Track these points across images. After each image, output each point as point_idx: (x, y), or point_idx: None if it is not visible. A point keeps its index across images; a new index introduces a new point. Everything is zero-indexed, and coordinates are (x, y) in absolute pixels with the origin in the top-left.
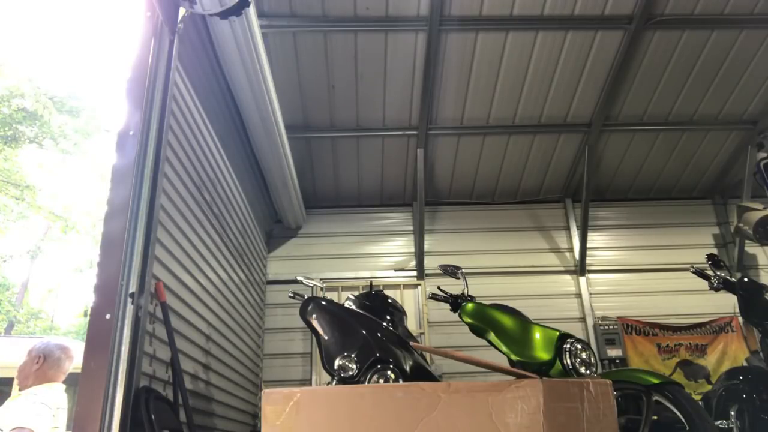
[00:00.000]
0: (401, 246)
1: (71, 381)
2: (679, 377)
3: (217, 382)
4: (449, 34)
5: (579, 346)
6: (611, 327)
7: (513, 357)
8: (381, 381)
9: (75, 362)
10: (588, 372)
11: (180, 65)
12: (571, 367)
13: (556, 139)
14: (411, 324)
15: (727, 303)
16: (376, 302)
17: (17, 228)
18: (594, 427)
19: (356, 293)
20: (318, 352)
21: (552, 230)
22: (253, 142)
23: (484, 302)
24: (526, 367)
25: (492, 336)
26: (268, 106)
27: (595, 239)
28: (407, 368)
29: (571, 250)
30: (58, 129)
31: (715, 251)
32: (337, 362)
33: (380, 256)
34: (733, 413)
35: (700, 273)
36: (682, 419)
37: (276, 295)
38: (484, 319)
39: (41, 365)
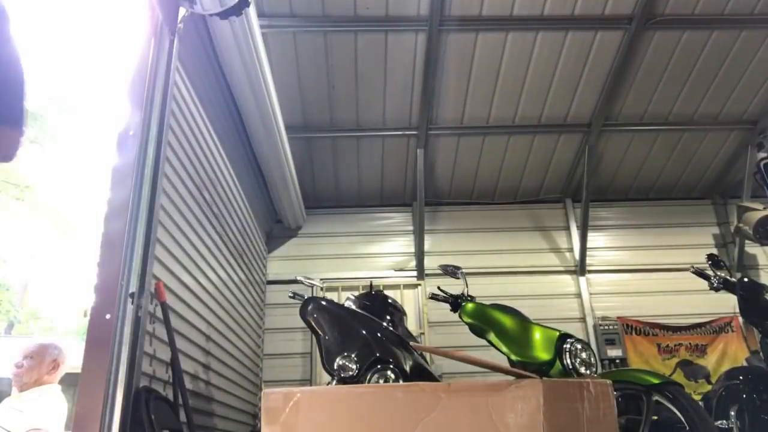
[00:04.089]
0: (401, 246)
1: (71, 381)
2: (679, 377)
3: (217, 382)
4: (449, 34)
5: (579, 346)
6: (611, 327)
7: (513, 357)
8: (381, 381)
9: (75, 363)
10: (588, 372)
11: (180, 65)
12: (571, 367)
13: (556, 139)
14: (411, 324)
15: (727, 303)
16: (376, 302)
17: (17, 228)
18: (594, 427)
19: (356, 293)
20: (318, 352)
21: (552, 230)
22: (253, 142)
23: (484, 302)
24: (526, 367)
25: (492, 336)
26: (268, 106)
27: (595, 239)
28: (407, 368)
29: (571, 250)
30: (58, 129)
31: (715, 251)
32: (337, 362)
33: (380, 256)
34: (733, 413)
35: (700, 273)
36: (682, 419)
37: (276, 295)
38: (484, 319)
39: (58, 370)
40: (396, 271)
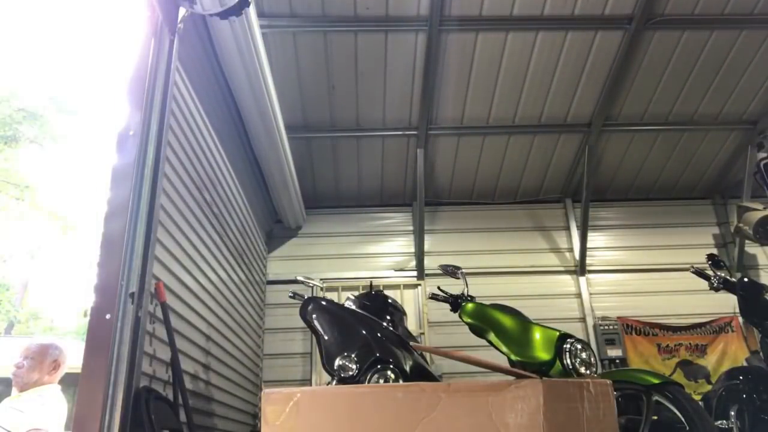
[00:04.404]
0: (401, 246)
1: (71, 381)
2: (679, 377)
3: (217, 382)
4: (449, 34)
5: (579, 346)
6: (611, 327)
7: (513, 357)
8: (381, 381)
9: (75, 363)
10: (588, 372)
11: (180, 65)
12: (571, 367)
13: (556, 139)
14: (411, 324)
15: (727, 303)
16: (376, 302)
17: (17, 228)
18: (594, 427)
19: (356, 293)
20: (318, 352)
21: (552, 230)
22: (253, 142)
23: (484, 302)
24: (526, 367)
25: (492, 336)
26: (268, 106)
27: (595, 239)
28: (407, 368)
29: (571, 250)
30: (58, 129)
31: (715, 251)
32: (337, 362)
33: (380, 256)
34: (733, 413)
35: (700, 273)
36: (682, 419)
37: (276, 295)
38: (484, 319)
39: (59, 371)
40: (396, 271)
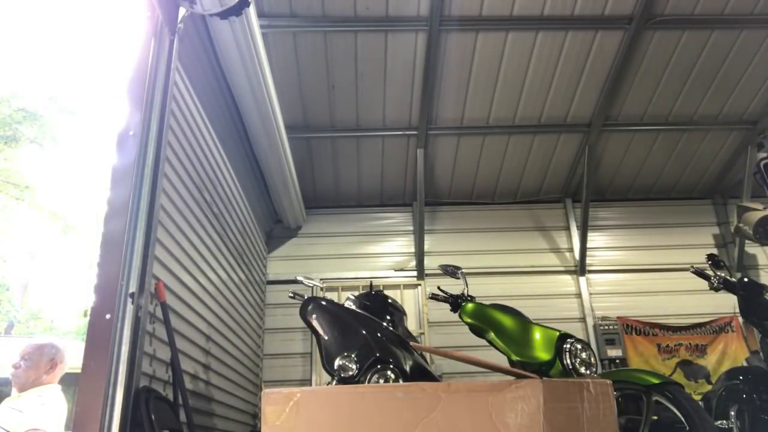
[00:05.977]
0: (401, 246)
1: (71, 381)
2: (679, 377)
3: (217, 382)
4: (449, 34)
5: (579, 346)
6: (611, 327)
7: (513, 357)
8: (381, 381)
9: (75, 363)
10: (588, 372)
11: (180, 65)
12: (571, 367)
13: (556, 139)
14: (411, 324)
15: (727, 303)
16: (376, 302)
17: (17, 228)
18: (594, 427)
19: (356, 293)
20: (318, 352)
21: (552, 230)
22: (253, 142)
23: (484, 302)
24: (526, 367)
25: (492, 336)
26: (268, 106)
27: (595, 239)
28: (407, 368)
29: (571, 250)
30: (58, 129)
31: (715, 251)
32: (337, 362)
33: (380, 256)
34: (733, 413)
35: (700, 273)
36: (682, 419)
37: (276, 295)
38: (484, 319)
39: (56, 370)
40: (396, 271)
